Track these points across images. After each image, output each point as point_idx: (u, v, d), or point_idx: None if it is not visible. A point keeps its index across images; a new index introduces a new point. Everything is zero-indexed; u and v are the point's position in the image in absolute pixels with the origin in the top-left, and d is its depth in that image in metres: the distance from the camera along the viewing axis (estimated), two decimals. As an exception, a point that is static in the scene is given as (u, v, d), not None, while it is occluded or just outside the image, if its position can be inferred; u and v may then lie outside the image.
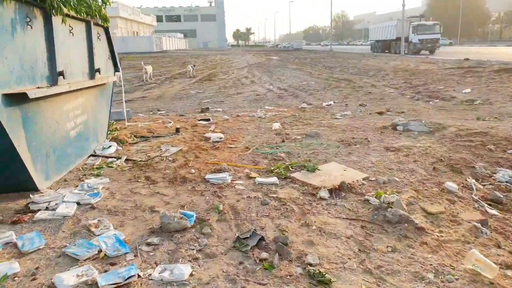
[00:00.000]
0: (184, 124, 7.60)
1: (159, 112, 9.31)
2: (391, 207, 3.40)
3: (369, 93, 11.37)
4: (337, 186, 3.97)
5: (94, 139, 5.79)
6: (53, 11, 4.09)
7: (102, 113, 6.16)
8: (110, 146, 5.84)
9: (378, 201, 3.63)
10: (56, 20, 4.25)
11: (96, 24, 5.67)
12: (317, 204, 3.63)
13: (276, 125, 7.08)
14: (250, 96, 11.74)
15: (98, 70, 5.61)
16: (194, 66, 21.65)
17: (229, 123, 7.58)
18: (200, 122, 7.69)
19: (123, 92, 7.67)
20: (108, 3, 5.40)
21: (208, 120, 7.85)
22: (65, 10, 4.17)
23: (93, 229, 3.06)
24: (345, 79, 15.94)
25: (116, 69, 6.78)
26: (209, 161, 5.06)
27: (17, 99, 3.52)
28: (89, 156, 5.39)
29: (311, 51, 59.42)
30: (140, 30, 77.92)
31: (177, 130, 6.84)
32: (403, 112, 8.14)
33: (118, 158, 5.31)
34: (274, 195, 3.80)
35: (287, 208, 3.50)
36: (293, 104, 9.84)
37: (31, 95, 3.57)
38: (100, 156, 5.43)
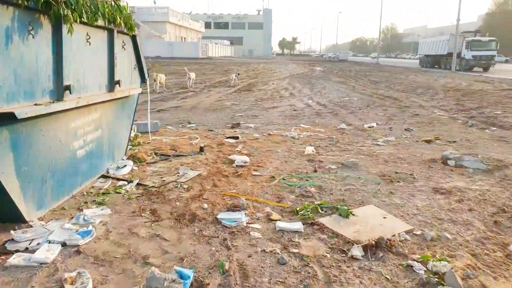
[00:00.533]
0: (210, 141, 7.07)
1: (189, 125, 8.85)
2: (443, 284, 2.65)
3: (416, 115, 10.38)
4: (373, 242, 3.24)
5: (110, 157, 5.35)
6: (63, 18, 3.66)
7: (122, 128, 5.73)
8: (125, 165, 5.38)
9: (425, 269, 2.88)
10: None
11: (121, 33, 5.26)
12: (347, 266, 2.93)
13: (309, 149, 6.40)
14: (286, 111, 11.08)
15: (118, 82, 5.17)
16: (239, 74, 21.31)
17: (259, 143, 6.97)
18: (228, 140, 7.13)
19: (149, 103, 7.25)
20: (124, 10, 4.95)
21: (236, 138, 7.28)
22: (72, 19, 3.70)
23: (67, 286, 2.52)
24: (390, 96, 14.95)
25: (143, 80, 6.37)
26: (227, 192, 4.47)
27: (4, 119, 3.07)
28: (100, 177, 4.95)
29: (357, 63, 58.04)
30: (188, 35, 79.30)
31: (201, 149, 6.31)
32: (454, 141, 7.17)
33: (130, 181, 4.83)
34: (296, 250, 3.13)
35: (309, 272, 2.83)
36: (332, 124, 9.09)
37: (21, 115, 3.11)
38: (111, 178, 4.97)
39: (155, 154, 6.16)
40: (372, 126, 8.61)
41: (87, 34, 4.37)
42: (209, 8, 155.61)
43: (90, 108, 4.59)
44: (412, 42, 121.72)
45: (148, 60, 43.94)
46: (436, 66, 43.14)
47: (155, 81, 16.24)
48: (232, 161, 5.68)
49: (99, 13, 4.40)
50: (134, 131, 7.35)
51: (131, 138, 7.07)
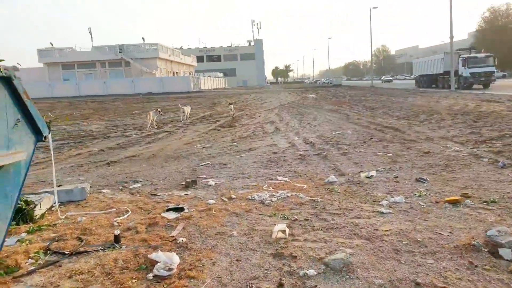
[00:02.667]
0: (142, 217, 4.95)
1: (132, 186, 6.75)
2: None
3: (426, 153, 8.19)
4: None
5: None
6: None
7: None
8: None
9: None
10: None
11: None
12: None
13: (279, 229, 4.25)
14: (264, 155, 8.98)
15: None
16: (231, 104, 22.09)
17: (209, 217, 4.83)
18: (167, 215, 5.00)
19: (53, 165, 5.21)
20: None
21: (181, 209, 5.17)
22: None
23: None
24: (390, 126, 12.88)
25: (39, 137, 4.34)
26: None
27: None
28: None
29: (351, 87, 56.54)
30: (180, 70, 78.47)
31: (116, 238, 4.19)
32: (493, 201, 4.92)
33: None
34: None
35: None
36: (318, 173, 6.96)
37: None
38: None
39: (46, 251, 4.06)
40: (371, 176, 6.48)
41: None
42: (200, 43, 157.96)
43: None
44: (405, 63, 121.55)
45: (139, 96, 42.62)
46: (433, 86, 41.93)
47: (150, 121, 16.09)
48: (152, 265, 3.56)
49: None
50: (40, 206, 5.30)
51: (35, 218, 5.07)
